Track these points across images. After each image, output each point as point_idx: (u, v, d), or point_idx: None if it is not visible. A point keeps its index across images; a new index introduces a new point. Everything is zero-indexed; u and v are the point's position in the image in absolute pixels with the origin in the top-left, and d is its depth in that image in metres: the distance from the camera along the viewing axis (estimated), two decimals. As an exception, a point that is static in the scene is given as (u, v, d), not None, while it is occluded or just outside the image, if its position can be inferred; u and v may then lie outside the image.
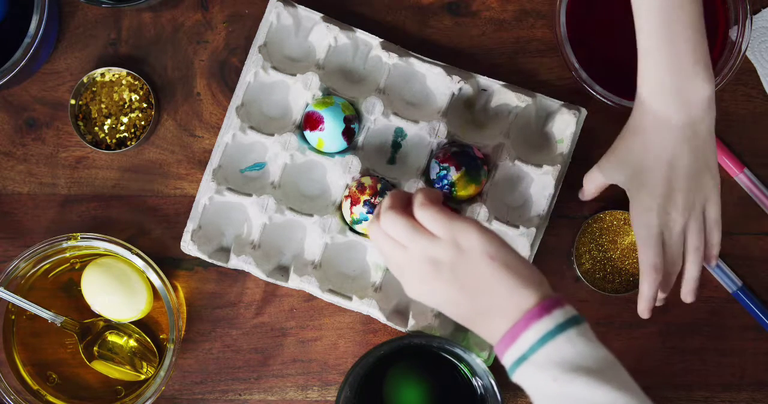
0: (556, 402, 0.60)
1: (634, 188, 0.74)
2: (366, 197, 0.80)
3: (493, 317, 0.62)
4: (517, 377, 0.62)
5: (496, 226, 0.81)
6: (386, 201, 0.65)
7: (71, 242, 0.80)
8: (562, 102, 0.83)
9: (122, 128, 0.85)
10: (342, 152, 0.82)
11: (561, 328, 0.60)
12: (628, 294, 0.84)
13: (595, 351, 0.60)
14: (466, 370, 0.83)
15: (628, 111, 0.77)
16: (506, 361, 0.62)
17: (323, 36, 0.83)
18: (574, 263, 0.83)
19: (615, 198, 0.82)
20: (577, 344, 0.59)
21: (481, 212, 0.81)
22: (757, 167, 0.86)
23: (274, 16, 0.83)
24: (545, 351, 0.59)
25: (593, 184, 0.79)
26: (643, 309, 0.76)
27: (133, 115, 0.85)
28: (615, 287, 0.84)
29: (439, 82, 0.83)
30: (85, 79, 0.84)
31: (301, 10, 0.83)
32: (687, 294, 0.76)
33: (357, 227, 0.81)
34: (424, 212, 0.64)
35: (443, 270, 0.62)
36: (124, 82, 0.84)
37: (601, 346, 0.61)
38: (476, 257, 0.62)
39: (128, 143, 0.84)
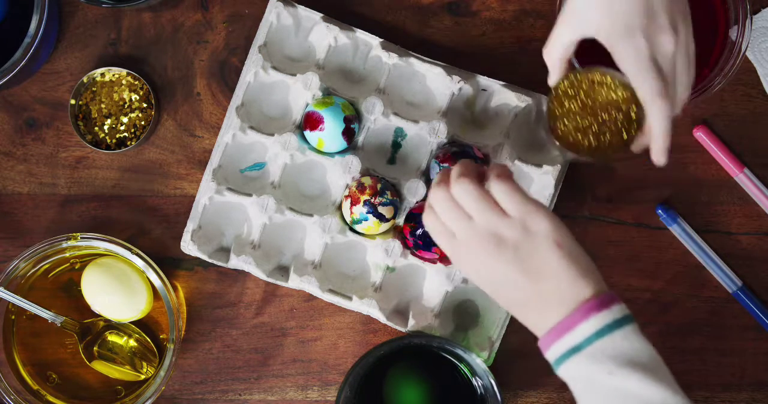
0: (606, 396, 0.59)
1: (609, 21, 0.65)
2: (366, 197, 0.80)
3: (549, 304, 0.61)
4: (567, 368, 0.60)
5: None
6: (458, 169, 0.64)
7: (71, 242, 0.80)
8: (562, 102, 0.83)
9: (122, 128, 0.85)
10: (342, 152, 0.82)
11: (619, 323, 0.60)
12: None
13: (648, 350, 0.60)
14: (466, 370, 0.83)
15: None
16: (556, 351, 0.61)
17: (323, 36, 0.83)
18: (552, 138, 0.74)
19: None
20: (633, 341, 0.59)
21: (481, 212, 0.81)
22: (757, 167, 0.86)
23: (274, 16, 0.83)
24: (602, 343, 0.59)
25: (558, 49, 0.69)
26: (660, 150, 0.67)
27: (133, 115, 0.85)
28: (602, 152, 0.72)
29: (439, 82, 0.83)
30: (85, 79, 0.84)
31: (301, 10, 0.83)
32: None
33: (357, 227, 0.81)
34: (501, 186, 0.63)
35: (506, 249, 0.62)
36: (124, 82, 0.84)
37: (652, 346, 0.60)
38: (543, 241, 0.61)
39: (128, 143, 0.85)
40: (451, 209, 0.64)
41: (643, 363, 0.59)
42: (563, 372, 0.61)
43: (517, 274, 0.62)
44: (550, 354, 0.61)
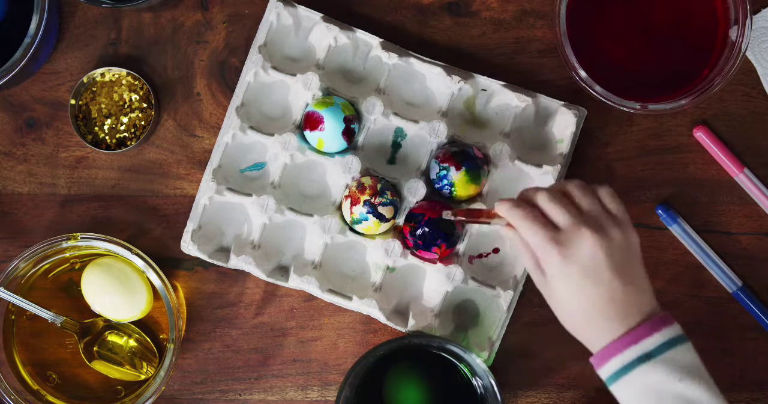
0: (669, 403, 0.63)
1: None
2: (366, 197, 0.80)
3: (626, 309, 0.66)
4: (634, 375, 0.64)
5: (496, 226, 0.81)
6: (573, 181, 0.69)
7: (71, 242, 0.80)
8: (562, 102, 0.83)
9: (122, 128, 0.85)
10: (342, 152, 0.82)
11: (683, 339, 0.65)
12: None
13: (703, 366, 0.65)
14: (466, 370, 0.83)
15: (628, 111, 0.77)
16: (624, 358, 0.64)
17: (323, 36, 0.83)
18: None
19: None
20: (694, 355, 0.65)
21: (481, 212, 0.81)
22: (757, 167, 0.86)
23: (274, 16, 0.83)
24: (672, 353, 0.64)
25: None
26: None
27: (133, 115, 0.85)
28: None
29: (439, 82, 0.83)
30: (85, 79, 0.84)
31: (301, 10, 0.83)
32: None
33: (357, 227, 0.81)
34: (608, 189, 0.69)
35: (611, 244, 0.66)
36: (124, 82, 0.84)
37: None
38: (635, 251, 0.67)
39: (128, 143, 0.85)
40: (566, 202, 0.68)
41: (702, 374, 0.64)
42: (632, 378, 0.64)
43: (611, 271, 0.65)
44: (616, 362, 0.64)
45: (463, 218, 0.75)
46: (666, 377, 0.63)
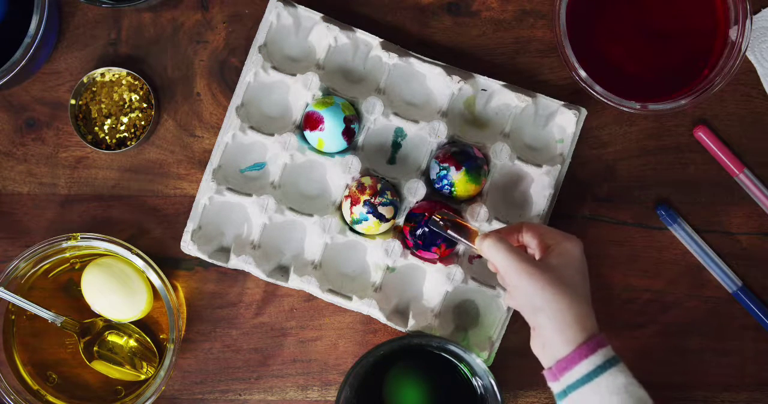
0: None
1: None
2: (366, 197, 0.80)
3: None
4: (609, 376, 0.66)
5: (496, 226, 0.81)
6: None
7: (71, 242, 0.80)
8: (562, 102, 0.83)
9: (122, 128, 0.85)
10: (342, 152, 0.82)
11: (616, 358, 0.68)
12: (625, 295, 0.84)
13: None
14: (466, 370, 0.83)
15: (628, 111, 0.77)
16: (596, 359, 0.67)
17: (323, 36, 0.83)
18: None
19: None
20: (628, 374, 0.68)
21: (481, 212, 0.81)
22: (757, 167, 0.86)
23: (274, 16, 0.83)
24: (621, 364, 0.68)
25: None
26: None
27: (133, 115, 0.85)
28: None
29: (439, 82, 0.83)
30: (85, 79, 0.84)
31: (301, 10, 0.83)
32: None
33: (357, 227, 0.81)
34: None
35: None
36: (124, 82, 0.84)
37: None
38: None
39: (128, 143, 0.85)
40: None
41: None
42: (604, 382, 0.66)
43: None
44: (589, 363, 0.66)
45: (450, 233, 0.75)
46: (631, 380, 0.66)
